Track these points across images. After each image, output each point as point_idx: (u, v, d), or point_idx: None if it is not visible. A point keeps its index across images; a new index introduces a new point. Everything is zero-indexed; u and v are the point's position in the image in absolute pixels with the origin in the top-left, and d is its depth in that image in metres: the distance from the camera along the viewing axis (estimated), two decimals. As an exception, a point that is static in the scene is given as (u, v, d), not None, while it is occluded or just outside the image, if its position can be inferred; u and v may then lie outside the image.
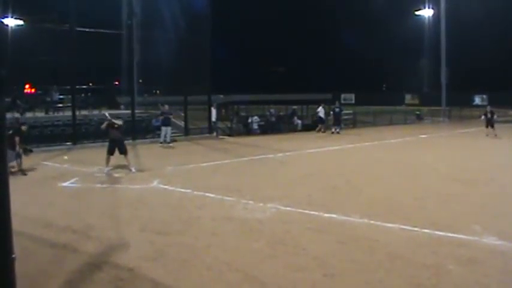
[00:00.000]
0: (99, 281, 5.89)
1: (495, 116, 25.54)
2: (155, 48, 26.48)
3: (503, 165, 15.60)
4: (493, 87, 52.79)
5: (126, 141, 15.05)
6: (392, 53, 62.46)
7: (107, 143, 14.59)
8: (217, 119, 26.45)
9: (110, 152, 14.03)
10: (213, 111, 25.89)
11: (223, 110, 30.13)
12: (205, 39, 26.11)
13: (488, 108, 25.87)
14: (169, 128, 21.31)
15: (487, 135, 24.57)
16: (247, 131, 27.30)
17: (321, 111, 28.84)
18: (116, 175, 13.66)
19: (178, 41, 25.59)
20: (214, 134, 25.54)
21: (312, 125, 30.15)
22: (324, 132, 28.03)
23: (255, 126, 28.03)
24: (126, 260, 6.52)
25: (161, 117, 21.69)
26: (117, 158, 14.32)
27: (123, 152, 14.15)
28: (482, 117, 25.71)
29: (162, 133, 21.26)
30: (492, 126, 24.92)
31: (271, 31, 69.31)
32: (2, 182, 3.29)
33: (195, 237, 7.68)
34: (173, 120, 24.24)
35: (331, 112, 28.72)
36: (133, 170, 14.10)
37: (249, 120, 28.35)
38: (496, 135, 24.39)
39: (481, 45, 54.23)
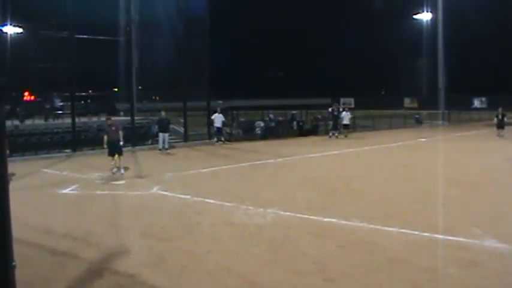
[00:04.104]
0: (99, 288, 5.90)
1: (505, 118, 26.25)
2: (154, 54, 26.51)
3: (502, 168, 15.60)
4: (492, 90, 52.86)
5: (126, 148, 15.35)
6: (391, 57, 62.60)
7: (106, 150, 14.96)
8: (224, 124, 25.80)
9: (111, 154, 14.77)
10: (218, 117, 25.27)
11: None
12: (204, 44, 26.15)
13: (500, 110, 26.46)
14: (166, 135, 21.19)
15: (499, 136, 25.54)
16: (247, 136, 27.20)
17: (345, 116, 28.55)
18: (116, 182, 13.69)
19: (177, 47, 25.63)
20: (215, 139, 25.20)
21: (312, 130, 30.12)
22: (346, 136, 27.69)
23: (258, 130, 28.01)
24: (127, 266, 6.52)
25: (157, 124, 21.61)
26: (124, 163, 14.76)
27: (120, 152, 14.86)
28: (495, 119, 26.57)
29: (160, 140, 21.15)
30: (502, 128, 25.85)
31: (270, 36, 69.44)
32: (3, 189, 3.30)
33: (195, 242, 7.69)
34: (173, 126, 24.20)
35: (330, 116, 28.69)
36: (122, 171, 14.73)
37: (256, 125, 28.35)
38: (502, 135, 25.38)
39: (479, 48, 54.33)
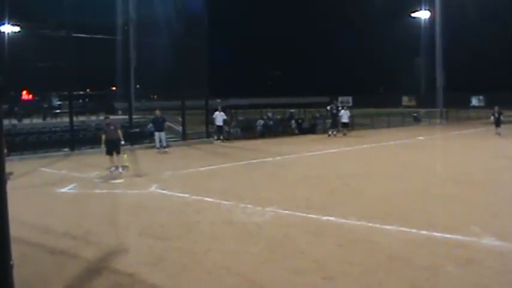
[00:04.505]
0: (98, 287, 5.88)
1: (502, 116, 26.45)
2: (152, 53, 26.48)
3: (501, 166, 15.60)
4: (490, 88, 52.96)
5: (124, 147, 15.48)
6: (389, 55, 62.66)
7: (104, 149, 14.92)
8: (225, 122, 26.01)
9: (109, 153, 14.82)
10: (219, 115, 25.40)
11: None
12: (202, 43, 26.13)
13: (496, 108, 26.66)
14: (162, 133, 21.12)
15: (497, 134, 25.57)
16: (245, 135, 27.21)
17: (344, 115, 28.31)
18: (114, 181, 13.68)
19: (175, 46, 25.60)
20: (215, 137, 25.28)
21: (310, 128, 30.11)
22: (345, 135, 27.54)
23: (259, 128, 28.12)
24: (126, 265, 6.51)
25: (153, 124, 21.49)
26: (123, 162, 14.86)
27: (118, 151, 14.89)
28: (492, 118, 26.65)
29: (156, 139, 21.08)
30: (499, 125, 25.99)
31: (268, 35, 69.43)
32: (0, 189, 3.29)
33: (194, 241, 7.68)
34: (171, 125, 24.18)
35: (329, 114, 28.65)
36: (120, 170, 14.71)
37: (257, 123, 28.46)
38: (499, 134, 25.36)
39: (477, 46, 54.42)
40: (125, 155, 15.26)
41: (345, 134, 27.64)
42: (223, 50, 62.13)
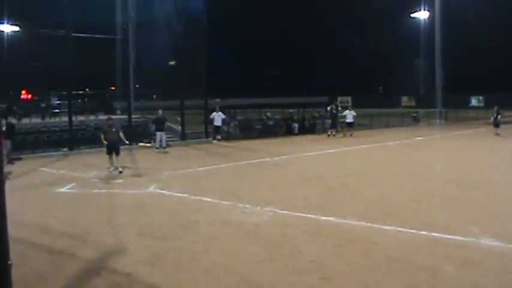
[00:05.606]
0: (96, 287, 5.88)
1: (499, 116, 26.69)
2: (151, 52, 26.48)
3: (499, 166, 15.63)
4: (490, 89, 52.98)
5: (123, 146, 15.56)
6: (388, 56, 62.65)
7: (103, 149, 15.08)
8: (224, 122, 26.12)
9: (109, 153, 14.86)
10: (217, 115, 25.42)
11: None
12: (202, 43, 26.12)
13: (495, 109, 26.90)
14: (163, 133, 21.15)
15: (496, 134, 25.77)
16: (244, 134, 27.22)
17: (348, 115, 28.06)
18: (113, 181, 13.68)
19: (175, 46, 25.59)
20: (216, 137, 25.30)
21: (309, 129, 30.09)
22: (351, 135, 27.29)
23: (259, 128, 28.32)
24: (124, 265, 6.52)
25: (154, 123, 21.49)
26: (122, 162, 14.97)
27: (117, 153, 14.88)
28: (491, 118, 27.00)
29: (157, 138, 21.10)
30: (497, 126, 26.24)
31: (267, 35, 69.40)
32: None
33: (192, 241, 7.68)
34: (170, 124, 24.16)
35: (328, 114, 28.59)
36: (120, 169, 14.73)
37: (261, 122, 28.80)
38: (498, 134, 25.57)
39: (477, 47, 54.42)
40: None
41: (351, 135, 27.30)
42: (223, 50, 62.04)
